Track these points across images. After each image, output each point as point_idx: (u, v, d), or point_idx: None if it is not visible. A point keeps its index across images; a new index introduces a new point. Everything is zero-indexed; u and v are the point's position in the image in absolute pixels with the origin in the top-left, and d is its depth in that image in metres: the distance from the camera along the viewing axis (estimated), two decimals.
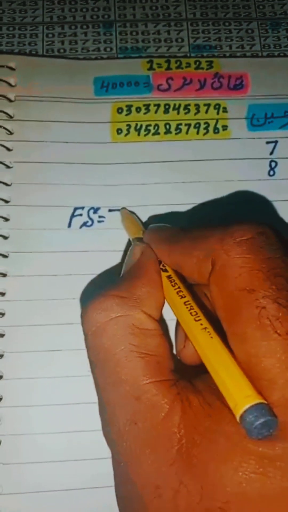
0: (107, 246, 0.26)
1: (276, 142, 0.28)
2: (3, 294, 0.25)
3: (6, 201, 0.26)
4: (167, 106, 0.28)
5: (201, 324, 0.17)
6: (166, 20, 0.30)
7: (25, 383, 0.24)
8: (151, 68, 0.29)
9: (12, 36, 0.30)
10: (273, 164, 0.27)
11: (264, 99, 0.28)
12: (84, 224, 0.26)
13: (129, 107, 0.28)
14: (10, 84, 0.28)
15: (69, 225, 0.26)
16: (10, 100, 0.27)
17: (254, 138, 0.28)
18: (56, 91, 0.27)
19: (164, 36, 0.30)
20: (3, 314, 0.25)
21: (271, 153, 0.28)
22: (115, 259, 0.26)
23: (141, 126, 0.27)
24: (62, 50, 0.29)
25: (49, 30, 0.30)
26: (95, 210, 0.26)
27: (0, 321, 0.25)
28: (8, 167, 0.26)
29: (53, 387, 0.24)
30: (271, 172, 0.27)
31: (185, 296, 0.19)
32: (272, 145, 0.28)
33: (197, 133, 0.28)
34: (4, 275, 0.25)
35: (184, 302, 0.18)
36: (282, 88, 0.29)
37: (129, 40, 0.30)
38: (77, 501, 0.23)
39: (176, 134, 0.28)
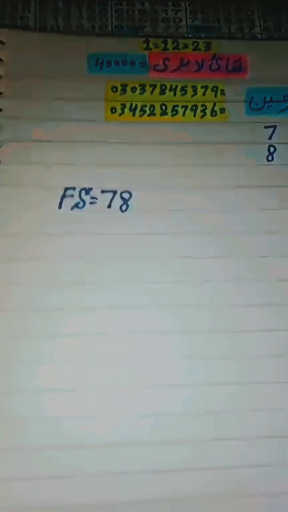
0: (99, 229, 0.25)
1: (275, 126, 0.27)
2: None
3: None
4: (163, 87, 0.27)
5: None
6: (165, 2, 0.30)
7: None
8: (147, 48, 0.28)
9: (3, 9, 0.28)
10: (271, 149, 0.27)
11: (263, 82, 0.28)
12: (76, 205, 0.25)
13: (124, 86, 0.27)
14: (0, 59, 0.27)
15: (60, 207, 0.25)
16: None
17: (252, 122, 0.27)
18: (47, 67, 0.26)
19: (161, 16, 0.29)
20: None
21: (270, 137, 0.27)
22: (106, 242, 0.25)
23: (136, 106, 0.26)
24: (55, 27, 0.28)
25: (42, 5, 0.29)
26: (87, 191, 0.25)
27: None
28: None
29: (34, 373, 0.23)
30: (270, 157, 0.27)
31: None
32: (271, 129, 0.27)
33: (194, 115, 0.27)
34: None
35: None
36: (282, 72, 0.28)
37: (125, 19, 0.29)
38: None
39: (172, 115, 0.27)
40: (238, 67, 0.28)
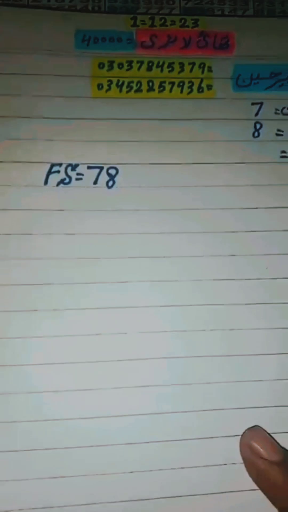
0: (85, 205, 0.25)
1: (261, 103, 0.27)
2: None
3: None
4: (150, 64, 0.27)
5: None
6: None
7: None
8: (134, 25, 0.28)
9: None
10: (257, 126, 0.27)
11: (250, 59, 0.28)
12: (62, 181, 0.25)
13: (111, 62, 0.27)
14: None
15: (46, 183, 0.25)
16: None
17: (239, 99, 0.27)
18: (35, 43, 0.26)
19: None
20: None
21: (256, 114, 0.27)
22: (93, 218, 0.25)
23: (123, 82, 0.27)
24: (47, 6, 0.28)
25: None
26: (73, 167, 0.25)
27: None
28: None
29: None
30: (256, 134, 0.27)
31: None
32: (257, 106, 0.27)
33: (181, 91, 0.27)
34: None
35: None
36: (269, 49, 0.28)
37: (118, 0, 0.29)
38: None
39: (159, 92, 0.27)
40: (225, 44, 0.28)
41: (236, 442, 0.23)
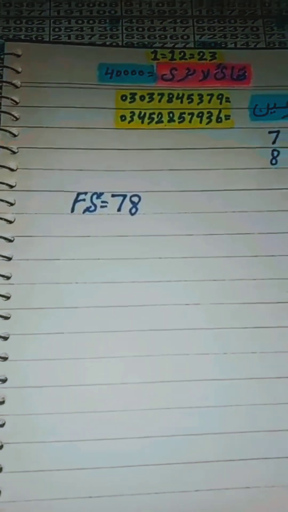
0: (110, 231, 0.26)
1: (278, 131, 0.28)
2: (8, 277, 0.25)
3: (11, 186, 0.26)
4: (170, 95, 0.28)
5: None
6: (172, 17, 0.31)
7: (29, 365, 0.24)
8: (155, 58, 0.29)
9: (19, 29, 0.30)
10: (275, 153, 0.28)
11: (266, 90, 0.29)
12: (87, 209, 0.26)
13: (133, 95, 0.28)
14: (16, 71, 0.28)
15: (72, 210, 0.26)
16: (16, 87, 0.28)
17: (256, 128, 0.28)
18: (60, 77, 0.28)
19: (170, 33, 0.31)
20: (8, 297, 0.25)
21: (274, 142, 0.28)
22: (117, 244, 0.26)
23: (144, 114, 0.28)
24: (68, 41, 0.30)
25: (56, 24, 0.30)
26: (98, 195, 0.26)
27: (5, 303, 0.25)
28: (13, 152, 0.27)
29: (55, 368, 0.24)
30: (273, 161, 0.28)
31: None
32: (274, 134, 0.28)
33: (200, 122, 0.28)
34: (9, 258, 0.25)
35: None
36: (285, 79, 0.29)
37: (135, 36, 0.30)
38: (78, 480, 0.23)
39: (179, 122, 0.28)
40: (242, 75, 0.29)
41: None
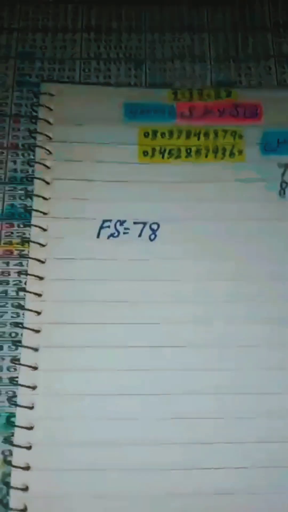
0: (131, 255, 0.29)
1: (286, 165, 0.31)
2: (40, 295, 0.28)
3: (45, 213, 0.30)
4: (188, 133, 0.31)
5: None
6: (191, 58, 0.34)
7: (58, 374, 0.27)
8: (175, 98, 0.32)
9: (52, 69, 0.34)
10: (283, 185, 0.30)
11: (276, 126, 0.31)
12: (111, 235, 0.29)
13: (154, 132, 0.31)
14: (50, 109, 0.32)
15: (98, 236, 0.29)
16: (49, 123, 0.31)
17: (267, 161, 0.31)
18: (90, 115, 0.31)
19: (189, 73, 0.34)
20: (39, 313, 0.28)
21: (283, 174, 0.31)
22: (138, 267, 0.29)
23: (165, 149, 0.31)
24: (96, 82, 0.33)
25: (85, 65, 0.34)
26: (121, 223, 0.29)
27: (37, 318, 0.28)
28: (47, 183, 0.30)
29: (83, 378, 0.27)
30: (282, 192, 0.30)
31: None
32: (283, 168, 0.31)
33: (215, 157, 0.31)
34: (41, 278, 0.29)
35: None
36: None
37: (157, 76, 0.33)
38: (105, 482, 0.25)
39: (196, 157, 0.31)
40: (254, 113, 0.32)
41: None
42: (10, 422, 0.26)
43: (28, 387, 0.27)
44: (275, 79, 0.33)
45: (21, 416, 0.26)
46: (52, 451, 0.26)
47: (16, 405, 0.26)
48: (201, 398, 0.27)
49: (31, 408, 0.26)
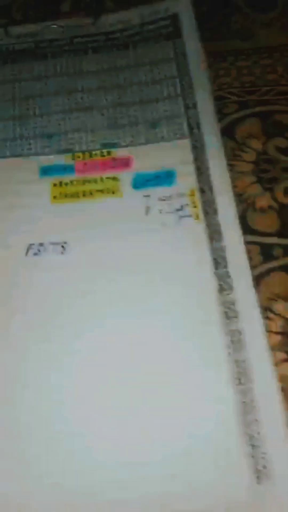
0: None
1: (149, 195, 0.46)
2: None
3: None
4: (84, 181, 0.47)
5: None
6: (85, 132, 0.50)
7: None
8: (73, 158, 0.48)
9: None
10: (147, 209, 0.46)
11: (143, 170, 0.47)
12: (35, 253, 0.44)
13: (60, 182, 0.47)
14: None
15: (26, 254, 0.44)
16: None
17: (136, 194, 0.47)
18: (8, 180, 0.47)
19: (84, 140, 0.50)
20: None
21: (147, 201, 0.46)
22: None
23: (68, 193, 0.47)
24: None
25: (12, 142, 0.50)
26: (41, 244, 0.44)
27: None
28: None
29: None
30: (146, 212, 0.46)
31: None
32: (147, 197, 0.46)
33: (102, 194, 0.47)
34: None
35: None
36: (153, 162, 0.48)
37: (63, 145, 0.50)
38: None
39: (90, 196, 0.47)
40: (127, 164, 0.48)
41: None
42: None
43: None
44: (143, 139, 0.50)
45: None
46: None
47: None
48: None
49: None
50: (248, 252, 0.42)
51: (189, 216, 0.45)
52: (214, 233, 0.44)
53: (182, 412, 0.34)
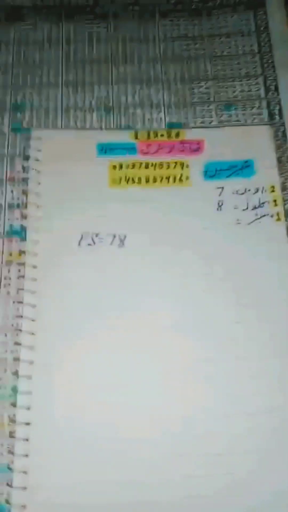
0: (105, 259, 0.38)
1: (222, 187, 0.40)
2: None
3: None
4: (147, 164, 0.41)
5: None
6: (150, 105, 0.43)
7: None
8: (136, 138, 0.42)
9: (40, 118, 0.43)
10: (220, 203, 0.40)
11: (215, 158, 0.41)
12: (88, 244, 0.38)
13: (120, 165, 0.40)
14: (38, 150, 0.41)
15: (79, 244, 0.38)
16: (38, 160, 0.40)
17: (208, 185, 0.40)
18: (69, 153, 0.40)
19: (148, 117, 0.43)
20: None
21: (220, 194, 0.40)
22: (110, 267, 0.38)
23: (129, 178, 0.40)
24: (74, 127, 0.43)
25: (66, 113, 0.43)
26: (97, 234, 0.38)
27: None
28: (38, 206, 0.39)
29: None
30: (219, 208, 0.39)
31: None
32: (220, 189, 0.40)
33: (168, 182, 0.40)
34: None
35: None
36: (227, 150, 0.41)
37: (123, 120, 0.43)
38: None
39: (153, 183, 0.40)
40: (197, 149, 0.41)
41: None
42: None
43: None
44: (215, 120, 0.43)
45: None
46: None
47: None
48: None
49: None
50: None
51: (269, 215, 0.39)
52: None
53: None
